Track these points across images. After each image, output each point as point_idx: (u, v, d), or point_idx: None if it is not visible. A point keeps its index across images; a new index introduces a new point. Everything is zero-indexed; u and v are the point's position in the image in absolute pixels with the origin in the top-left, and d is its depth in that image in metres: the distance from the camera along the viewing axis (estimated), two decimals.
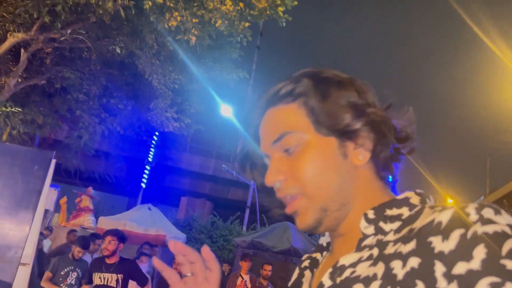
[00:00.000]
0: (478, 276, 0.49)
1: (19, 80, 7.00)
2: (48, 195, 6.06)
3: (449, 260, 0.51)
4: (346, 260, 0.63)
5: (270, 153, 0.70)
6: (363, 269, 0.60)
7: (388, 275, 0.56)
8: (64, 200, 12.50)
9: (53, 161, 6.05)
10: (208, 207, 22.08)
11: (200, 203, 22.01)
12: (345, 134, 0.66)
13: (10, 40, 5.87)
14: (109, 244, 4.25)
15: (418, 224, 0.58)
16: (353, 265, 0.62)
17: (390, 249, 0.59)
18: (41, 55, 7.29)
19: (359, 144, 0.67)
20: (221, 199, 22.22)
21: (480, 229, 0.51)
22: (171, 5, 4.52)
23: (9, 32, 5.83)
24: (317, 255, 0.78)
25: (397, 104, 0.70)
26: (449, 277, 0.51)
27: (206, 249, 0.67)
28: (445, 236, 0.53)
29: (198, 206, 21.07)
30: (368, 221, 0.64)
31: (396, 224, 0.62)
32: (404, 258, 0.55)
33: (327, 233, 0.77)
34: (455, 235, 0.52)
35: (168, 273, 0.69)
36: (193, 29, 4.69)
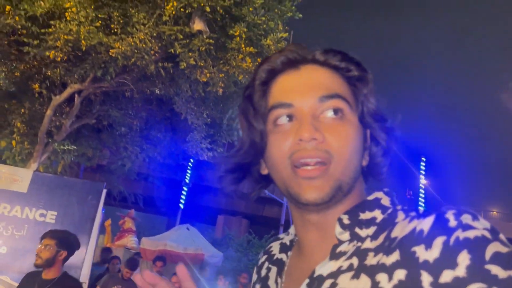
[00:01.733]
0: (465, 283, 0.49)
1: (73, 120, 8.27)
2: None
3: (435, 269, 0.51)
4: (323, 269, 0.63)
5: (304, 106, 0.66)
6: (345, 282, 0.59)
7: None
8: (108, 222, 13.80)
9: (104, 191, 7.25)
10: (244, 225, 22.99)
11: (236, 221, 22.96)
12: (367, 136, 0.69)
13: (68, 91, 7.11)
14: (44, 249, 2.94)
15: (398, 233, 0.58)
16: (333, 275, 0.61)
17: (371, 260, 0.59)
18: (90, 97, 8.55)
19: (366, 148, 0.70)
20: (256, 217, 23.09)
21: (461, 235, 0.52)
22: (201, 64, 5.57)
23: (68, 84, 7.08)
24: (282, 256, 0.77)
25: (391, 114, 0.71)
26: (436, 286, 0.51)
27: (181, 268, 0.66)
28: (428, 245, 0.53)
29: (234, 224, 22.03)
30: (343, 226, 0.64)
31: (372, 230, 0.63)
32: (389, 270, 0.55)
33: (291, 231, 0.79)
34: (438, 243, 0.52)
35: None
36: (220, 82, 5.69)
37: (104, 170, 14.03)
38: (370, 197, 0.68)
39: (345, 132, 0.65)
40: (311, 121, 0.64)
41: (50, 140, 8.12)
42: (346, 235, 0.64)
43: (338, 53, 0.69)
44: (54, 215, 6.57)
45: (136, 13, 5.44)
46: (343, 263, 0.61)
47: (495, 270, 0.49)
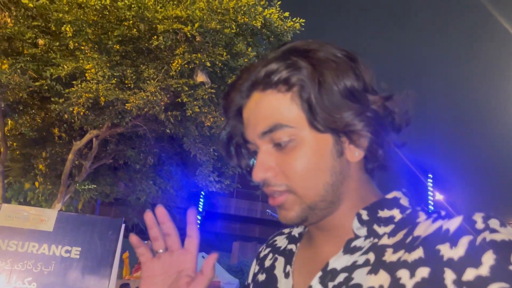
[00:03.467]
0: (487, 282, 0.50)
1: (92, 161, 9.21)
2: None
3: (459, 267, 0.52)
4: (337, 263, 0.63)
5: (257, 143, 0.66)
6: (362, 277, 0.59)
7: (395, 286, 0.56)
8: (126, 254, 14.56)
9: (123, 226, 8.13)
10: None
11: (252, 246, 23.50)
12: (342, 132, 0.63)
13: (88, 136, 8.07)
14: None
15: (421, 232, 0.59)
16: (347, 270, 0.62)
17: (390, 257, 0.59)
18: (107, 138, 9.51)
19: (354, 141, 0.64)
20: None
21: (488, 236, 0.53)
22: (205, 110, 6.49)
23: (87, 130, 8.04)
24: (291, 247, 0.77)
25: (395, 90, 0.65)
26: (459, 284, 0.52)
27: (191, 212, 0.68)
28: (453, 243, 0.54)
29: (250, 249, 22.57)
30: (361, 222, 0.64)
31: (390, 228, 0.63)
32: (411, 267, 0.56)
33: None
34: (464, 242, 0.54)
35: (142, 250, 0.68)
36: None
37: (119, 203, 14.92)
38: (389, 196, 0.68)
39: (298, 158, 0.63)
40: (262, 159, 0.65)
41: (71, 181, 9.05)
42: (363, 231, 0.64)
43: (276, 61, 0.64)
44: (78, 251, 7.41)
45: (147, 69, 6.39)
46: (358, 258, 0.62)
47: None
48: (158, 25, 5.88)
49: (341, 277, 0.61)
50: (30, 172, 9.95)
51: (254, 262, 0.86)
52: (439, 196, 25.11)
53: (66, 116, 6.77)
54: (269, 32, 7.18)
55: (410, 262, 0.57)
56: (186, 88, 6.24)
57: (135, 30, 6.05)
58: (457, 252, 0.53)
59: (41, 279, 7.05)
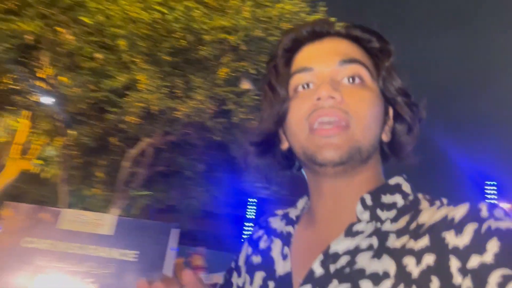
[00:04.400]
0: (491, 269, 0.50)
1: (146, 169, 9.69)
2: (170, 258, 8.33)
3: (464, 254, 0.53)
4: (338, 246, 0.63)
5: (324, 70, 0.67)
6: (365, 261, 0.60)
7: (402, 273, 0.57)
8: (180, 260, 15.06)
9: (173, 230, 8.46)
10: None
11: None
12: (388, 108, 0.71)
13: (142, 145, 8.52)
14: None
15: (426, 220, 0.60)
16: (350, 253, 0.62)
17: (394, 242, 0.60)
18: (160, 146, 9.98)
19: (389, 124, 0.72)
20: None
21: (493, 224, 0.54)
22: (251, 117, 6.71)
23: (141, 139, 8.50)
24: (289, 229, 0.76)
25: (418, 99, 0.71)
26: (464, 271, 0.52)
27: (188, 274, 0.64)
28: (459, 231, 0.55)
29: None
30: (365, 206, 0.65)
31: (392, 213, 0.64)
32: (417, 255, 0.57)
33: (299, 206, 0.79)
34: (469, 230, 0.54)
35: None
36: None
37: (171, 210, 15.47)
38: (391, 181, 0.69)
39: (365, 96, 0.66)
40: (330, 82, 0.65)
41: (127, 188, 9.57)
42: (366, 215, 0.64)
43: (360, 26, 0.72)
44: (134, 254, 7.84)
45: (195, 79, 6.71)
46: (361, 241, 0.62)
47: None
48: (204, 36, 6.18)
49: (343, 261, 0.61)
50: (90, 179, 10.62)
51: (246, 244, 0.84)
52: (505, 205, 23.71)
53: (121, 125, 7.23)
54: None
55: (417, 250, 0.57)
56: (232, 96, 6.48)
57: (183, 41, 6.38)
58: (462, 239, 0.54)
59: (101, 280, 7.52)
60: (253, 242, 0.82)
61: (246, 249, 0.84)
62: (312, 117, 0.65)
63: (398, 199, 0.66)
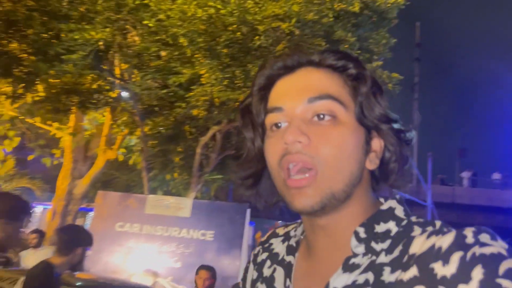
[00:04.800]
0: None
1: (217, 153, 10.23)
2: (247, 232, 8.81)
3: (452, 284, 0.54)
4: (337, 282, 0.64)
5: (295, 109, 0.66)
6: None
7: None
8: (259, 235, 15.78)
9: (248, 210, 8.93)
10: None
11: None
12: (372, 135, 0.69)
13: (211, 132, 9.00)
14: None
15: (416, 250, 0.61)
16: None
17: (388, 277, 0.61)
18: (229, 130, 10.45)
19: (374, 149, 0.70)
20: None
21: (478, 250, 0.54)
22: None
23: (210, 127, 8.99)
24: (290, 259, 0.76)
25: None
26: None
27: None
28: (446, 261, 0.56)
29: None
30: (359, 240, 0.65)
31: (387, 243, 0.65)
32: (407, 286, 0.58)
33: (298, 232, 0.79)
34: (455, 258, 0.55)
35: None
36: None
37: None
38: (384, 207, 0.68)
39: (336, 136, 0.64)
40: (298, 124, 0.64)
41: (201, 172, 10.18)
42: (361, 248, 0.65)
43: (334, 52, 0.69)
44: (212, 234, 8.49)
45: (253, 68, 6.92)
46: (358, 277, 0.63)
47: (506, 284, 0.51)
48: (258, 26, 6.32)
49: None
50: (169, 166, 11.45)
51: (251, 266, 0.85)
52: None
53: (191, 114, 7.71)
54: (371, 12, 7.09)
55: (406, 281, 0.58)
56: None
57: (239, 33, 6.59)
58: (449, 269, 0.55)
59: (184, 259, 8.28)
60: (258, 266, 0.82)
61: (252, 272, 0.83)
62: (283, 162, 0.65)
63: (392, 226, 0.66)
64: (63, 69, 7.18)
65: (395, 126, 0.69)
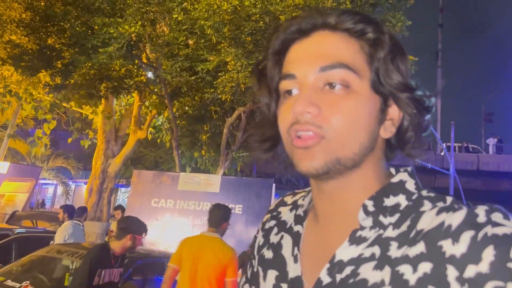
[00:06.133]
0: (485, 279, 0.51)
1: (242, 132, 10.95)
2: None
3: (461, 263, 0.54)
4: (343, 254, 0.64)
5: (307, 77, 0.65)
6: (367, 272, 0.61)
7: (398, 280, 0.58)
8: None
9: (273, 185, 9.67)
10: None
11: None
12: (389, 102, 0.66)
13: (236, 113, 9.71)
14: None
15: (425, 226, 0.60)
16: (354, 262, 0.63)
17: (395, 252, 0.61)
18: (253, 110, 11.13)
19: (390, 117, 0.68)
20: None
21: (490, 230, 0.54)
22: None
23: (236, 108, 9.67)
24: (298, 228, 0.76)
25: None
26: (461, 281, 0.53)
27: None
28: (455, 239, 0.56)
29: None
30: (367, 213, 0.65)
31: (395, 217, 0.64)
32: (413, 262, 0.58)
33: (306, 200, 0.78)
34: (466, 238, 0.55)
35: None
36: None
37: (272, 160, 16.94)
38: (395, 179, 0.67)
39: (348, 106, 0.63)
40: (308, 94, 0.63)
41: (228, 150, 10.94)
42: (369, 222, 0.64)
43: (352, 15, 0.66)
44: (240, 207, 9.32)
45: None
46: (364, 250, 0.63)
47: None
48: (280, 16, 6.85)
49: (348, 270, 0.63)
50: (196, 144, 12.24)
51: (260, 232, 0.85)
52: None
53: (219, 98, 8.36)
54: None
55: (412, 257, 0.58)
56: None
57: (262, 22, 7.15)
58: (459, 248, 0.55)
59: None
60: (265, 232, 0.82)
61: (259, 238, 0.83)
62: (291, 130, 0.65)
63: (402, 200, 0.65)
64: (100, 60, 7.90)
65: (415, 94, 0.67)
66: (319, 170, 0.63)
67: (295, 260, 0.72)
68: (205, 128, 11.70)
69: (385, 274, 0.59)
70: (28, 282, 4.45)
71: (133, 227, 3.67)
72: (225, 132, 10.03)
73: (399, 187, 0.67)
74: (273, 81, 0.72)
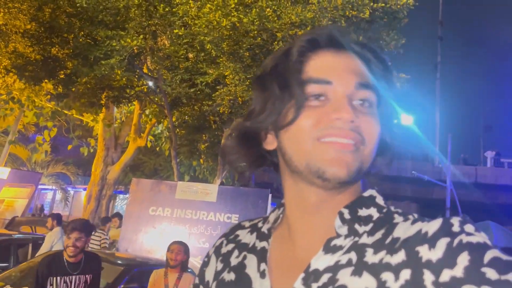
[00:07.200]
0: (460, 283, 0.53)
1: None
2: None
3: (437, 268, 0.55)
4: (318, 263, 0.65)
5: (343, 88, 0.67)
6: (345, 278, 0.61)
7: None
8: None
9: (270, 195, 9.92)
10: (413, 209, 23.65)
11: (405, 206, 23.74)
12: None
13: (234, 123, 9.93)
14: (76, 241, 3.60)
15: (401, 234, 0.62)
16: (331, 270, 0.63)
17: (372, 258, 0.62)
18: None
19: None
20: (425, 200, 23.49)
21: (465, 238, 0.56)
22: None
23: (234, 119, 9.94)
24: (263, 244, 0.76)
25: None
26: (437, 285, 0.55)
27: None
28: (432, 245, 0.57)
29: (402, 209, 22.85)
30: (343, 220, 0.66)
31: (369, 226, 0.66)
32: (395, 270, 0.59)
33: (271, 218, 0.78)
34: (442, 244, 0.57)
35: None
36: None
37: (270, 170, 17.16)
38: (365, 194, 0.70)
39: (374, 122, 0.68)
40: (349, 104, 0.66)
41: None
42: (344, 230, 0.66)
43: (373, 48, 0.72)
44: (237, 217, 9.54)
45: None
46: (340, 257, 0.64)
47: (490, 273, 0.52)
48: (277, 33, 7.14)
49: (325, 278, 0.63)
50: (195, 153, 12.50)
51: (213, 257, 0.82)
52: None
53: (217, 110, 8.63)
54: (382, 13, 7.80)
55: (394, 265, 0.59)
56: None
57: (259, 39, 7.44)
58: (435, 253, 0.56)
59: (212, 240, 9.33)
60: (222, 257, 0.80)
61: (214, 265, 0.81)
62: (325, 132, 0.65)
63: (373, 212, 0.68)
64: (102, 72, 8.18)
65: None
66: (349, 178, 0.65)
67: (262, 276, 0.71)
68: (204, 138, 11.95)
69: (366, 281, 0.60)
70: (27, 287, 4.49)
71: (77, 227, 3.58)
72: (223, 141, 10.30)
73: (371, 201, 0.70)
74: (297, 81, 0.69)
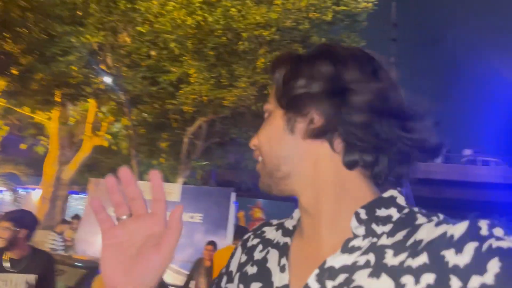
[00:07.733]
0: None
1: (203, 141, 11.21)
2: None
3: (464, 274, 0.53)
4: (335, 261, 0.64)
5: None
6: (362, 279, 0.60)
7: None
8: (241, 214, 16.89)
9: (232, 194, 9.99)
10: None
11: None
12: (294, 110, 0.69)
13: (197, 123, 9.93)
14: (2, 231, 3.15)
15: (424, 236, 0.60)
16: (347, 270, 0.63)
17: (391, 260, 0.60)
18: (214, 119, 11.41)
19: (312, 128, 0.68)
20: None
21: (494, 243, 0.53)
22: None
23: (196, 118, 9.92)
24: (286, 240, 0.77)
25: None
26: None
27: (155, 174, 0.64)
28: (459, 249, 0.55)
29: None
30: (360, 221, 0.65)
31: (388, 227, 0.64)
32: (415, 273, 0.57)
33: (295, 215, 0.79)
34: (469, 248, 0.54)
35: (103, 217, 0.62)
36: None
37: (233, 168, 17.21)
38: (386, 194, 0.67)
39: (265, 126, 0.72)
40: (260, 129, 0.74)
41: (188, 159, 11.14)
42: (361, 230, 0.64)
43: (273, 62, 0.74)
44: (200, 216, 9.55)
45: (237, 68, 7.84)
46: (358, 258, 0.62)
47: None
48: (242, 33, 7.21)
49: (341, 278, 0.62)
50: (155, 152, 12.35)
51: (239, 250, 0.85)
52: None
53: (181, 109, 8.58)
54: (343, 16, 8.06)
55: (415, 268, 0.57)
56: (271, 82, 7.56)
57: (224, 38, 7.48)
58: (462, 258, 0.54)
59: None
60: (247, 250, 0.82)
61: (239, 257, 0.83)
62: None
63: (393, 213, 0.65)
64: (60, 69, 7.92)
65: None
66: (264, 187, 0.73)
67: (282, 270, 0.71)
68: (165, 137, 11.84)
69: (384, 283, 0.58)
70: None
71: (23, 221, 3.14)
72: (185, 140, 10.25)
73: (391, 201, 0.67)
74: None
